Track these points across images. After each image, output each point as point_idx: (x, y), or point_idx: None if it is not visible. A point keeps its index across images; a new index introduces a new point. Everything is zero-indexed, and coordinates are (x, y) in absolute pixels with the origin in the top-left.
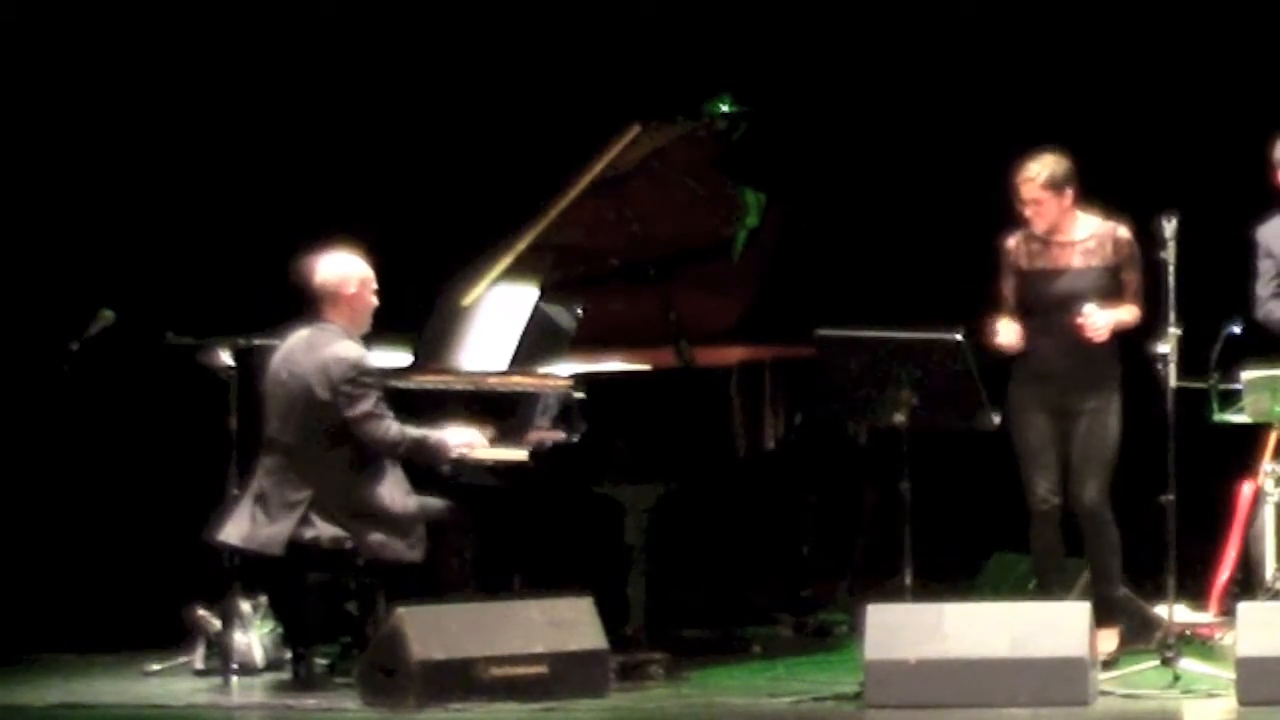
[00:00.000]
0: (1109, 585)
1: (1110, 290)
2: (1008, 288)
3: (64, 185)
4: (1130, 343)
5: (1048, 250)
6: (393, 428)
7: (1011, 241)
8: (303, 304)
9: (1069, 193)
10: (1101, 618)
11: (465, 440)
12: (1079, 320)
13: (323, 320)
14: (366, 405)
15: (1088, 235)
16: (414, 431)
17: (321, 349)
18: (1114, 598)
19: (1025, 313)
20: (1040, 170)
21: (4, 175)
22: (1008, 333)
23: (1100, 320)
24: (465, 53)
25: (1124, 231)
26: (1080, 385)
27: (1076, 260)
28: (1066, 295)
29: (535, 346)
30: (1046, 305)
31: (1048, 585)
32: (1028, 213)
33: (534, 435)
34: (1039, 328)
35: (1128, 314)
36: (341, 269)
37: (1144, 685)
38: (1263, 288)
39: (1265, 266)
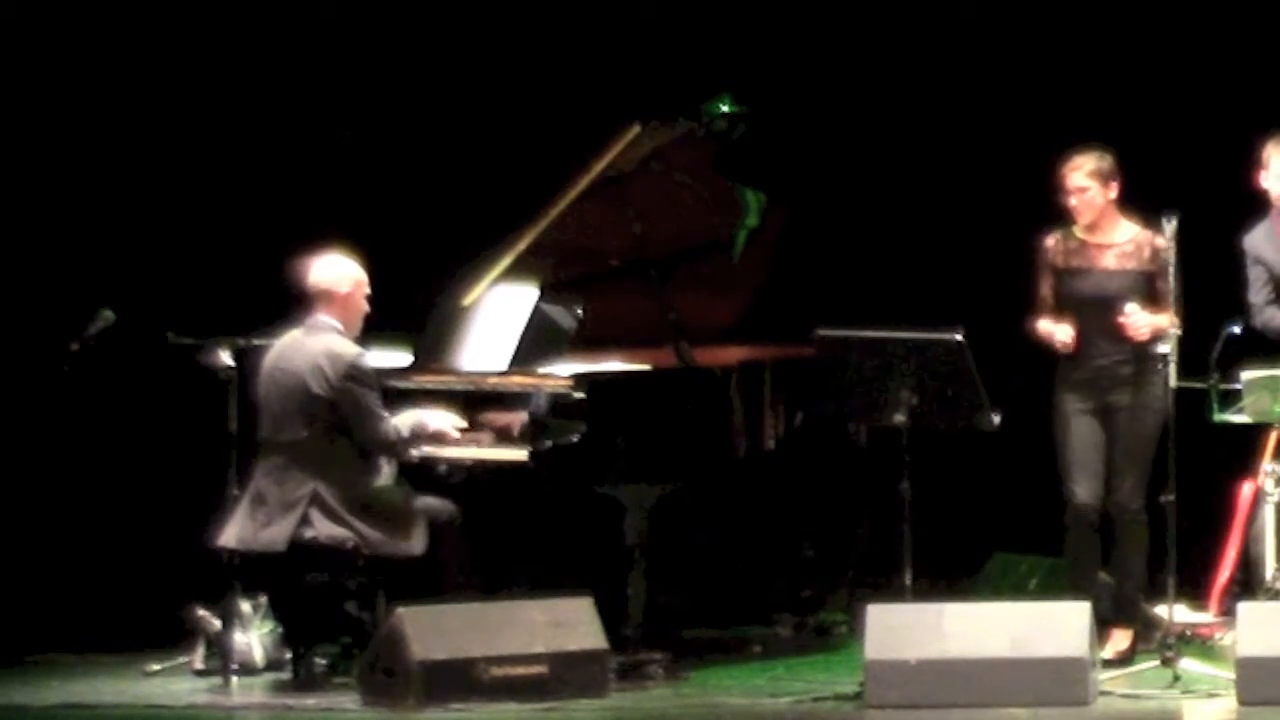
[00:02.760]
0: (1131, 585)
1: (1143, 295)
2: (1046, 286)
3: (63, 185)
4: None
5: (1084, 250)
6: (391, 427)
7: (1050, 240)
8: (296, 305)
9: (1114, 186)
10: (1118, 617)
11: (441, 422)
12: (1120, 319)
13: (315, 320)
14: (365, 403)
15: (1126, 239)
16: (404, 426)
17: (315, 346)
18: (1134, 598)
19: (1060, 312)
20: (1088, 159)
21: (4, 175)
22: (1064, 332)
23: (1142, 320)
24: (465, 53)
25: (1161, 240)
26: (1118, 382)
27: (1111, 262)
28: (1098, 296)
29: (535, 346)
30: (1078, 304)
31: (1079, 589)
32: (1072, 202)
33: (499, 420)
34: (1074, 327)
35: (1166, 320)
36: (336, 269)
37: (1144, 685)
38: (1256, 295)
39: (1255, 273)
